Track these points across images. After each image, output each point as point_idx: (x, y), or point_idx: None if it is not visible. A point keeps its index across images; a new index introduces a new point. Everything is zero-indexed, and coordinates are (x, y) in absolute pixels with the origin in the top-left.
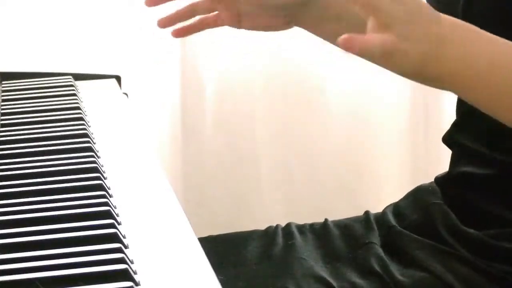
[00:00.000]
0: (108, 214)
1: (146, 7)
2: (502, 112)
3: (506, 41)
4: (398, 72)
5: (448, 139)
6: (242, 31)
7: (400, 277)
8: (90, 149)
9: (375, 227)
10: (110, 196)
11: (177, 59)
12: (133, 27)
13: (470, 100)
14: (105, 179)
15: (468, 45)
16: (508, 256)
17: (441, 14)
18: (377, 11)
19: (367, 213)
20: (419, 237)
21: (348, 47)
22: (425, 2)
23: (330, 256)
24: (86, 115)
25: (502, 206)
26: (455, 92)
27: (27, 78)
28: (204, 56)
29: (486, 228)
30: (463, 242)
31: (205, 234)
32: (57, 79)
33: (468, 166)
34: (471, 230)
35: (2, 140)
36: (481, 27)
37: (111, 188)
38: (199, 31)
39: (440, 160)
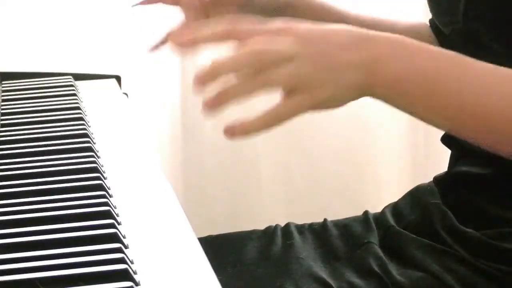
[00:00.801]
0: (108, 214)
1: (146, 7)
2: (448, 126)
3: (454, 54)
4: (336, 107)
5: (447, 139)
6: None
7: (398, 277)
8: (90, 149)
9: (374, 227)
10: (110, 196)
11: (177, 59)
12: (133, 27)
13: (416, 115)
14: (105, 179)
15: (406, 60)
16: (507, 256)
17: (373, 34)
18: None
19: (366, 213)
20: (417, 237)
21: (231, 134)
22: (343, 32)
23: (329, 256)
24: (86, 115)
25: (501, 206)
26: (398, 106)
27: (27, 78)
28: (204, 56)
29: (485, 228)
30: (462, 242)
31: (205, 234)
32: (57, 79)
33: (467, 166)
34: (470, 230)
35: (2, 140)
36: (480, 32)
37: (111, 188)
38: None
39: (440, 160)
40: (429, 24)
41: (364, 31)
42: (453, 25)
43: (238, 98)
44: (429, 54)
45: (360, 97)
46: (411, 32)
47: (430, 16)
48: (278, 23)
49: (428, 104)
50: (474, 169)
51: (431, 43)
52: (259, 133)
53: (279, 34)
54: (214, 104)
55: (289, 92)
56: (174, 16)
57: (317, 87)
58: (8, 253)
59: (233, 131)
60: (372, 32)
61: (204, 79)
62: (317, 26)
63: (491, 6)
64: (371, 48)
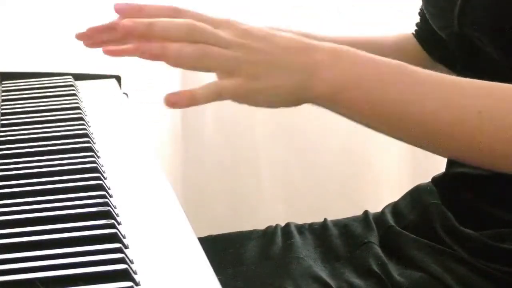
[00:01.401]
0: (108, 214)
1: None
2: (394, 133)
3: (398, 63)
4: (268, 105)
5: None
6: None
7: (398, 277)
8: (90, 149)
9: (374, 227)
10: (110, 196)
11: None
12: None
13: (360, 122)
14: (105, 179)
15: (348, 69)
16: (506, 256)
17: (317, 43)
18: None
19: (366, 212)
20: (417, 237)
21: (172, 103)
22: (287, 36)
23: (329, 255)
24: (86, 115)
25: (499, 207)
26: (342, 114)
27: (27, 78)
28: None
29: (484, 228)
30: (461, 243)
31: (205, 234)
32: (57, 79)
33: (464, 167)
34: (469, 231)
35: (2, 140)
36: (475, 36)
37: (111, 188)
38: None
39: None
40: (414, 34)
41: (308, 39)
42: (449, 29)
43: (176, 59)
44: (371, 63)
45: (298, 102)
46: (398, 45)
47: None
48: (226, 19)
49: (371, 112)
50: (472, 170)
51: (414, 55)
52: (191, 103)
53: (226, 27)
54: (151, 55)
55: (225, 74)
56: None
57: (252, 77)
58: (8, 253)
59: (173, 98)
60: (316, 41)
61: (135, 24)
62: (264, 27)
63: (485, 11)
64: (312, 55)
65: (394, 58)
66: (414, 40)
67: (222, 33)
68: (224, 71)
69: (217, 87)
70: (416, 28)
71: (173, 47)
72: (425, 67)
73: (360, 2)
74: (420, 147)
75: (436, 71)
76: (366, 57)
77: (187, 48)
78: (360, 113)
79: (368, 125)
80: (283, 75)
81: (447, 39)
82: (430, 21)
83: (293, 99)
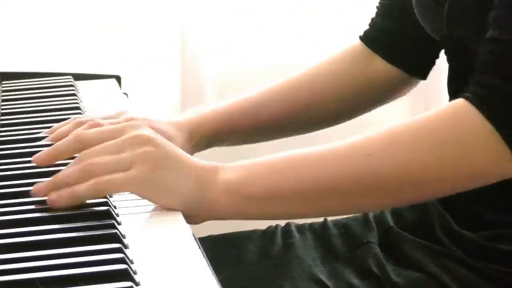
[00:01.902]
0: (108, 214)
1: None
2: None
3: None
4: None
5: None
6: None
7: (396, 278)
8: None
9: (374, 227)
10: (110, 196)
11: (177, 59)
12: (133, 27)
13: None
14: None
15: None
16: (503, 257)
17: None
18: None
19: (366, 212)
20: (416, 238)
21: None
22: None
23: (328, 255)
24: (86, 116)
25: (494, 209)
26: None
27: (27, 78)
28: (204, 56)
29: (481, 229)
30: (459, 243)
31: (205, 234)
32: (57, 79)
33: None
34: (466, 232)
35: (2, 140)
36: (465, 39)
37: None
38: None
39: None
40: (360, 39)
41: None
42: (440, 32)
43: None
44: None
45: (189, 206)
46: (333, 70)
47: None
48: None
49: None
50: None
51: (360, 61)
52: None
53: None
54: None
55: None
56: (172, 18)
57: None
58: (8, 253)
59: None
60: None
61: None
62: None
63: (471, 14)
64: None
65: (331, 86)
66: (360, 48)
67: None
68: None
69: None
70: (366, 34)
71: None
72: (372, 73)
73: (360, 2)
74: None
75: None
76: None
77: (80, 188)
78: (259, 207)
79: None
80: (179, 182)
81: (441, 42)
82: (423, 25)
83: (181, 204)
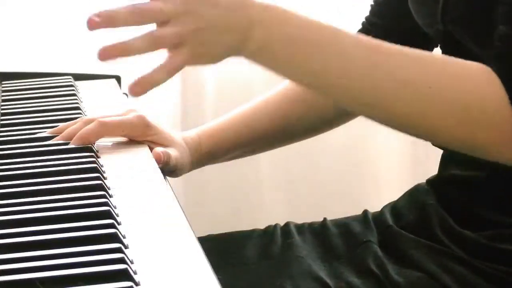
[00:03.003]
0: (108, 214)
1: None
2: (331, 90)
3: (326, 25)
4: (211, 63)
5: None
6: None
7: (396, 277)
8: (90, 149)
9: (373, 226)
10: (110, 196)
11: None
12: (133, 27)
13: (284, 76)
14: (105, 179)
15: (275, 27)
16: (504, 257)
17: (251, 1)
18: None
19: (365, 212)
20: (415, 237)
21: (136, 92)
22: None
23: (328, 255)
24: (86, 115)
25: (494, 208)
26: (266, 68)
27: (27, 78)
28: None
29: (480, 229)
30: (459, 243)
31: (205, 233)
32: (57, 79)
33: (458, 169)
34: (466, 231)
35: (2, 141)
36: (458, 34)
37: (111, 188)
38: None
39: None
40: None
41: None
42: (434, 27)
43: (133, 52)
44: (299, 23)
45: (230, 56)
46: None
47: None
48: None
49: (293, 67)
50: (465, 172)
51: None
52: (154, 86)
53: None
54: (111, 54)
55: (174, 46)
56: None
57: (197, 45)
58: (8, 253)
59: (136, 88)
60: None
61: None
62: None
63: (466, 9)
64: (246, 14)
65: None
66: None
67: (167, 6)
68: (172, 46)
69: (173, 62)
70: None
71: (130, 44)
72: None
73: (360, 2)
74: (349, 108)
75: None
76: (293, 16)
77: (137, 41)
78: (283, 68)
79: (294, 80)
80: (223, 36)
81: (434, 37)
82: (416, 19)
83: (227, 55)
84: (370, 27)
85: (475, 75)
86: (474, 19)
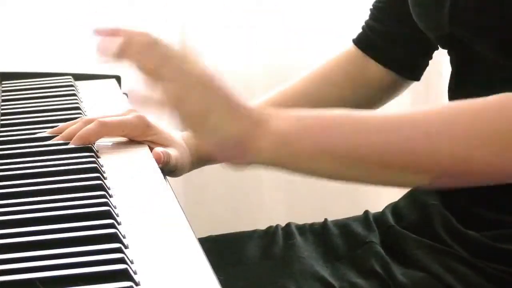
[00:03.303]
0: (108, 214)
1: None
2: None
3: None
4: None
5: None
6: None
7: (399, 277)
8: (90, 149)
9: (375, 227)
10: (110, 196)
11: None
12: (133, 27)
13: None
14: (105, 179)
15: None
16: (507, 257)
17: (266, 117)
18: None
19: (366, 212)
20: (418, 237)
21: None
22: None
23: (330, 255)
24: (86, 115)
25: (497, 208)
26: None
27: (27, 78)
28: (204, 56)
29: (484, 229)
30: (462, 243)
31: (205, 234)
32: (57, 79)
33: None
34: (469, 231)
35: (2, 141)
36: (466, 36)
37: (111, 188)
38: None
39: None
40: (353, 43)
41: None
42: (439, 31)
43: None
44: (312, 117)
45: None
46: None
47: None
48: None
49: (319, 160)
50: None
51: (356, 65)
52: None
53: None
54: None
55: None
56: (171, 18)
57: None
58: (8, 253)
59: None
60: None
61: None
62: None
63: (475, 11)
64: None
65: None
66: (354, 52)
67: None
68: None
69: None
70: (359, 38)
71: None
72: (368, 76)
73: (360, 2)
74: (376, 183)
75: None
76: (306, 116)
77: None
78: (306, 162)
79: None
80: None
81: (436, 40)
82: (418, 22)
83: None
84: (370, 32)
85: (495, 105)
86: (484, 21)
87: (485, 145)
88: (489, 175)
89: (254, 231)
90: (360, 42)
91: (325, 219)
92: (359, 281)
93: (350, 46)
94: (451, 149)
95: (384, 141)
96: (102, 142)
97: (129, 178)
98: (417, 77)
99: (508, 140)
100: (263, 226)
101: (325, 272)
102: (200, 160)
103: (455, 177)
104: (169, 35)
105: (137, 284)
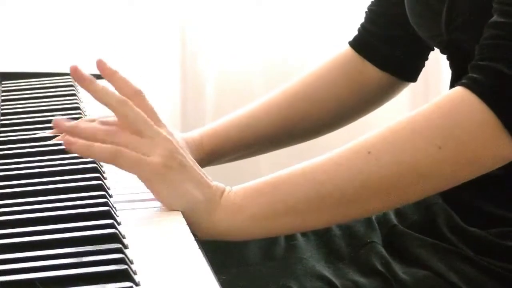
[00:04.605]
0: (108, 214)
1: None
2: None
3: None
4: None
5: None
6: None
7: (402, 276)
8: None
9: (377, 227)
10: (110, 196)
11: (177, 59)
12: (133, 27)
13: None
14: (105, 179)
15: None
16: (511, 254)
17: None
18: None
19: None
20: (421, 236)
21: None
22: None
23: (332, 255)
24: (86, 116)
25: (500, 205)
26: None
27: (27, 78)
28: (204, 56)
29: (488, 227)
30: (466, 241)
31: None
32: (57, 79)
33: None
34: (473, 229)
35: (2, 141)
36: (464, 41)
37: (111, 188)
38: None
39: None
40: (350, 45)
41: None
42: (439, 37)
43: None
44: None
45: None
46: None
47: None
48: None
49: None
50: None
51: (353, 67)
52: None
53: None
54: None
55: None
56: (172, 18)
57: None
58: (8, 253)
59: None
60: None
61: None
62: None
63: (472, 15)
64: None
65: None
66: (351, 54)
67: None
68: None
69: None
70: (356, 40)
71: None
72: (364, 78)
73: (359, 2)
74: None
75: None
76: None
77: (98, 147)
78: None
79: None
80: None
81: (439, 48)
82: (419, 32)
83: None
84: (366, 34)
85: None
86: (482, 25)
87: (431, 145)
88: (444, 180)
89: None
90: (356, 44)
91: None
92: (362, 279)
93: (346, 49)
94: (397, 162)
95: (337, 180)
96: None
97: (129, 178)
98: (413, 78)
99: (460, 136)
100: None
101: (327, 272)
102: (201, 160)
103: (411, 191)
104: (169, 35)
105: (137, 284)
